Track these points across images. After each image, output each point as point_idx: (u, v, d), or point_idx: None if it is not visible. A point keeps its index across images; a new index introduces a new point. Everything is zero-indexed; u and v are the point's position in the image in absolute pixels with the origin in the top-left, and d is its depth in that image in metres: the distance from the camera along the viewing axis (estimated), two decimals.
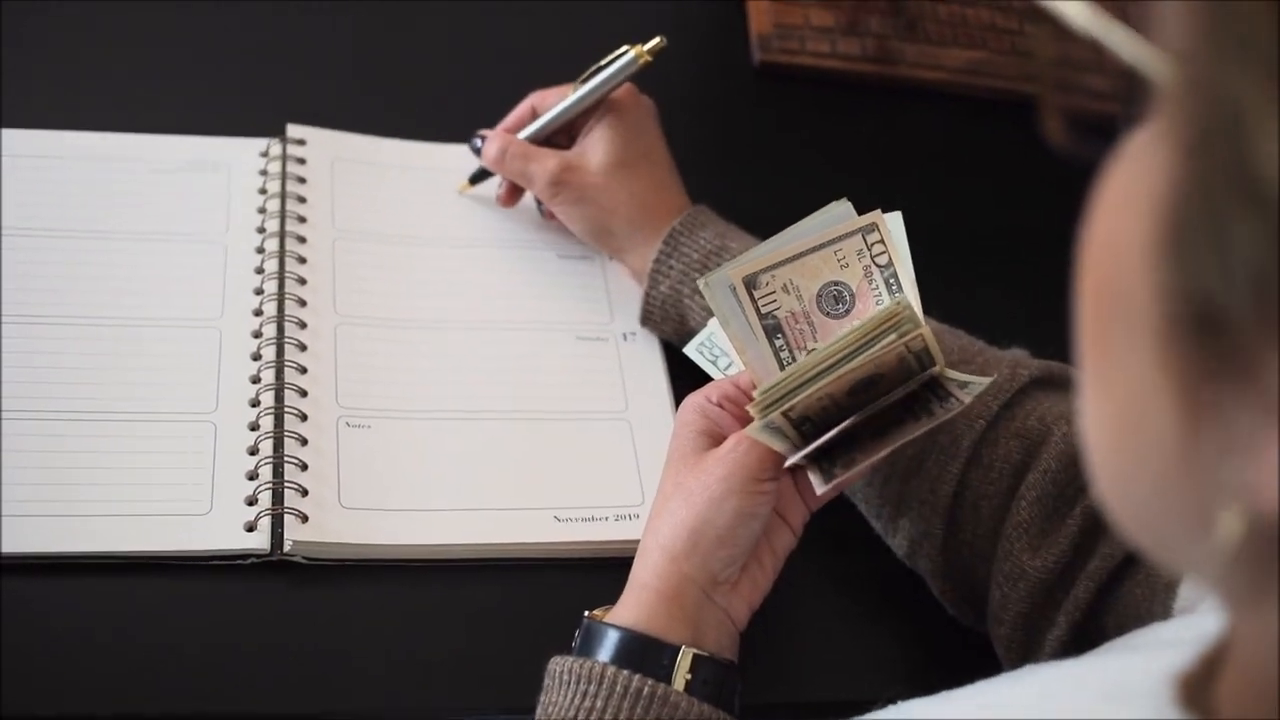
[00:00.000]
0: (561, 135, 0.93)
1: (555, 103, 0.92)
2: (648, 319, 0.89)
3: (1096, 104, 0.38)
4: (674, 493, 0.71)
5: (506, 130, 0.94)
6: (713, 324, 0.79)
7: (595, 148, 0.90)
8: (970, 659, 0.80)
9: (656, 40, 0.91)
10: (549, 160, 0.90)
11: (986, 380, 0.70)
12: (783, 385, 0.68)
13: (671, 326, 0.88)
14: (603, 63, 0.91)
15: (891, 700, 0.57)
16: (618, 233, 0.90)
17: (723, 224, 0.88)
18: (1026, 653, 0.74)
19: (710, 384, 0.77)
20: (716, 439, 0.73)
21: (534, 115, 0.93)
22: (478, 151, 0.94)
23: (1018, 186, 1.13)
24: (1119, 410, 0.38)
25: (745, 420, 0.71)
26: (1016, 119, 1.15)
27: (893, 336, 0.68)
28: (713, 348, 0.80)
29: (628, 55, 0.90)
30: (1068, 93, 0.38)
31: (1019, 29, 1.22)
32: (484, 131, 0.94)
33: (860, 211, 0.75)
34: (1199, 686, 0.40)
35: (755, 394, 0.69)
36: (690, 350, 0.81)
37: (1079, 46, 0.37)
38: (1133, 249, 0.35)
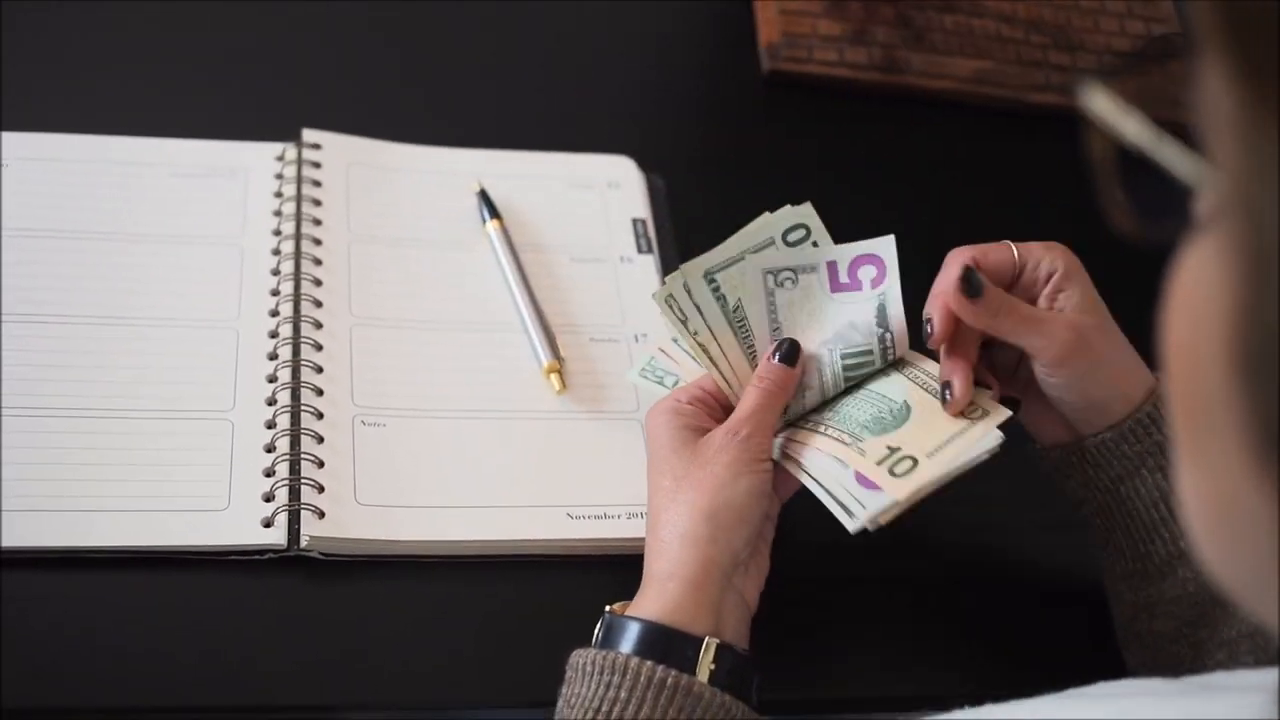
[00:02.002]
0: None
1: (998, 262, 0.78)
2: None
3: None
4: (679, 486, 0.73)
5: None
6: (649, 352, 0.84)
7: (1084, 309, 0.76)
8: (1008, 659, 0.83)
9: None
10: (1060, 323, 0.75)
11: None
12: None
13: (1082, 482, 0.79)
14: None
15: (963, 702, 0.58)
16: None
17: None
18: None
19: (675, 389, 0.80)
20: (699, 434, 0.75)
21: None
22: (970, 286, 0.74)
23: (1023, 195, 1.14)
24: (1216, 499, 0.39)
25: (719, 419, 0.76)
26: (1021, 128, 1.18)
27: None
28: (655, 369, 0.83)
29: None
30: (1124, 183, 0.39)
31: (1024, 39, 1.23)
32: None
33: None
34: None
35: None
36: (633, 376, 0.84)
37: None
38: (1211, 363, 0.36)
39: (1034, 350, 0.75)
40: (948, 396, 0.75)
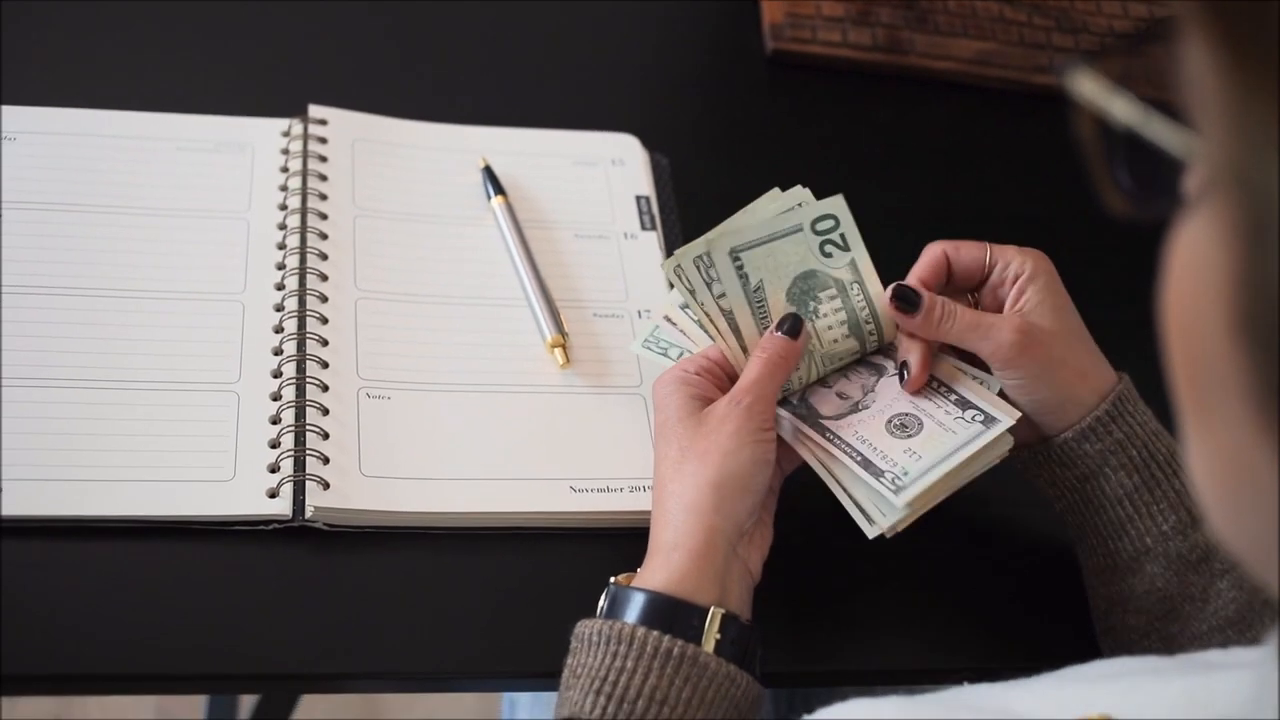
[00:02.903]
0: None
1: (969, 260, 0.80)
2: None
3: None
4: (684, 456, 0.74)
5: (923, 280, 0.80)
6: (652, 323, 0.85)
7: (1041, 312, 0.78)
8: (1006, 633, 0.83)
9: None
10: (1004, 327, 0.77)
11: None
12: None
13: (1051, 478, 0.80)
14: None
15: (962, 678, 0.59)
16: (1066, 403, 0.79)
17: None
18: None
19: (681, 360, 0.81)
20: (705, 403, 0.76)
21: (948, 264, 0.81)
22: (905, 301, 0.78)
23: (1025, 175, 1.15)
24: (1224, 465, 0.40)
25: (725, 389, 0.77)
26: (1024, 109, 1.19)
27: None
28: (659, 341, 0.84)
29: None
30: (1115, 163, 0.40)
31: (1027, 21, 1.24)
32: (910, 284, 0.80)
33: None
34: None
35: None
36: (635, 348, 0.85)
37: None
38: (1213, 331, 0.37)
39: (981, 353, 0.78)
40: (905, 375, 0.79)
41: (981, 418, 0.76)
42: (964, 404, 0.77)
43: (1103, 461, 0.78)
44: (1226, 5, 0.34)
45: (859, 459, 0.75)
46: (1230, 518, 0.41)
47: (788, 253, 0.79)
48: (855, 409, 0.79)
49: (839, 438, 0.77)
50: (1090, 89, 0.40)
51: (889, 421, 0.77)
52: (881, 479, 0.74)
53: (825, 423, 0.78)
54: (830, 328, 0.80)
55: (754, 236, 0.78)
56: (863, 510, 0.76)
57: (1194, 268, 0.38)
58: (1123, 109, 0.39)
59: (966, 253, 0.80)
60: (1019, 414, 0.77)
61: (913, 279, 0.80)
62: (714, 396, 0.77)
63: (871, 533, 0.75)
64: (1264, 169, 0.33)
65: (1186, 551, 0.76)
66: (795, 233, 0.79)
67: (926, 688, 0.57)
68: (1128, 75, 0.40)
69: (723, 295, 0.78)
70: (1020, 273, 0.79)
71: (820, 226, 0.80)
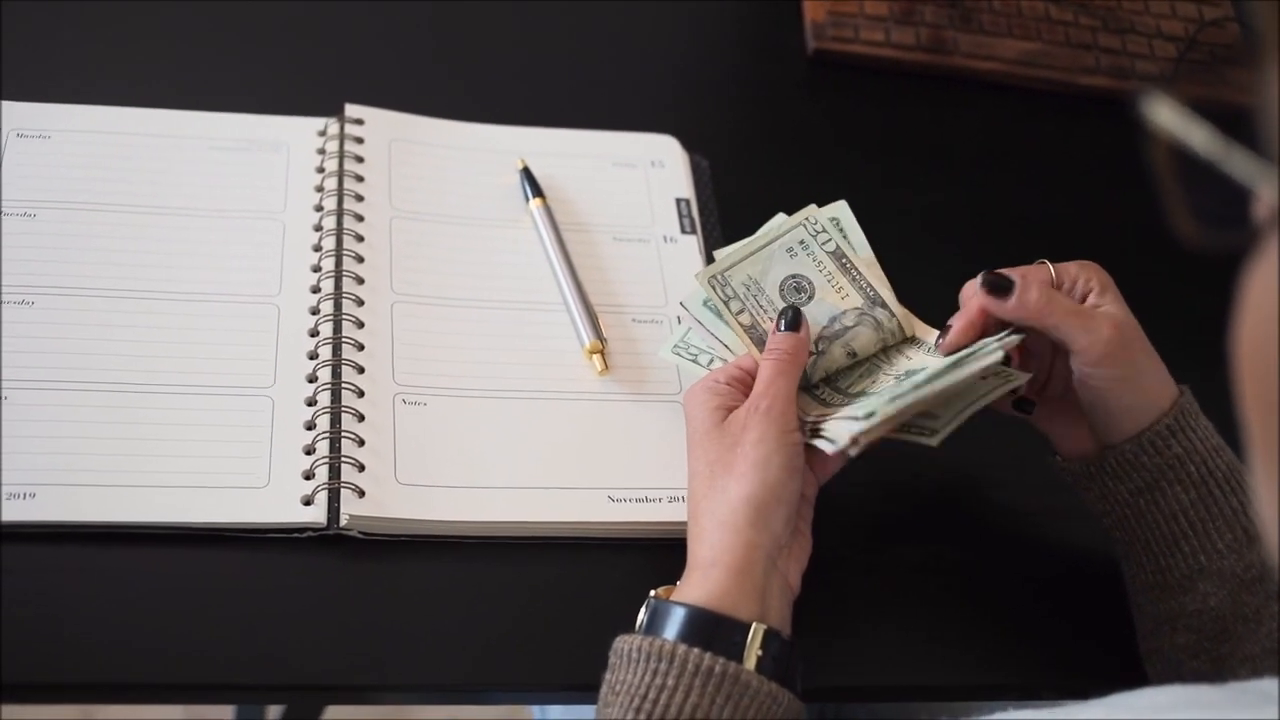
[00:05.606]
0: None
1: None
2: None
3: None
4: (713, 471, 0.72)
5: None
6: (683, 326, 0.85)
7: (1122, 317, 0.77)
8: (1057, 652, 0.82)
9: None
10: (1105, 322, 0.76)
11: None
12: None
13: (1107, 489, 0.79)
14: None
15: (1002, 696, 0.57)
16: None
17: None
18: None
19: (714, 369, 0.80)
20: (731, 413, 0.75)
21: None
22: (997, 289, 0.77)
23: (1069, 178, 1.13)
24: None
25: None
26: (1070, 111, 1.17)
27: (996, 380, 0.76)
28: (689, 347, 0.84)
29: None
30: (1190, 191, 0.39)
31: (1073, 21, 1.21)
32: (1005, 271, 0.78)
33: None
34: None
35: (862, 412, 0.72)
36: (664, 353, 0.85)
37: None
38: None
39: (1078, 345, 0.75)
40: (943, 339, 0.79)
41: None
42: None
43: (1159, 475, 0.76)
44: None
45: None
46: None
47: (780, 257, 0.82)
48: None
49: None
50: (1168, 117, 0.39)
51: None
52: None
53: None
54: (833, 311, 0.81)
55: (751, 251, 0.82)
56: (826, 436, 0.74)
57: (1271, 308, 0.37)
58: (1202, 140, 0.38)
59: (1033, 275, 0.78)
60: (1028, 375, 0.77)
61: (961, 320, 0.78)
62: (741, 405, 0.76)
63: (830, 449, 0.73)
64: None
65: (1241, 570, 0.74)
66: (790, 234, 0.83)
67: (965, 705, 0.56)
68: (1203, 99, 0.38)
69: (741, 311, 0.80)
70: (1089, 288, 0.78)
71: (817, 229, 0.83)
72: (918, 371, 0.77)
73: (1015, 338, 0.76)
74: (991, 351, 0.75)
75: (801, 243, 0.83)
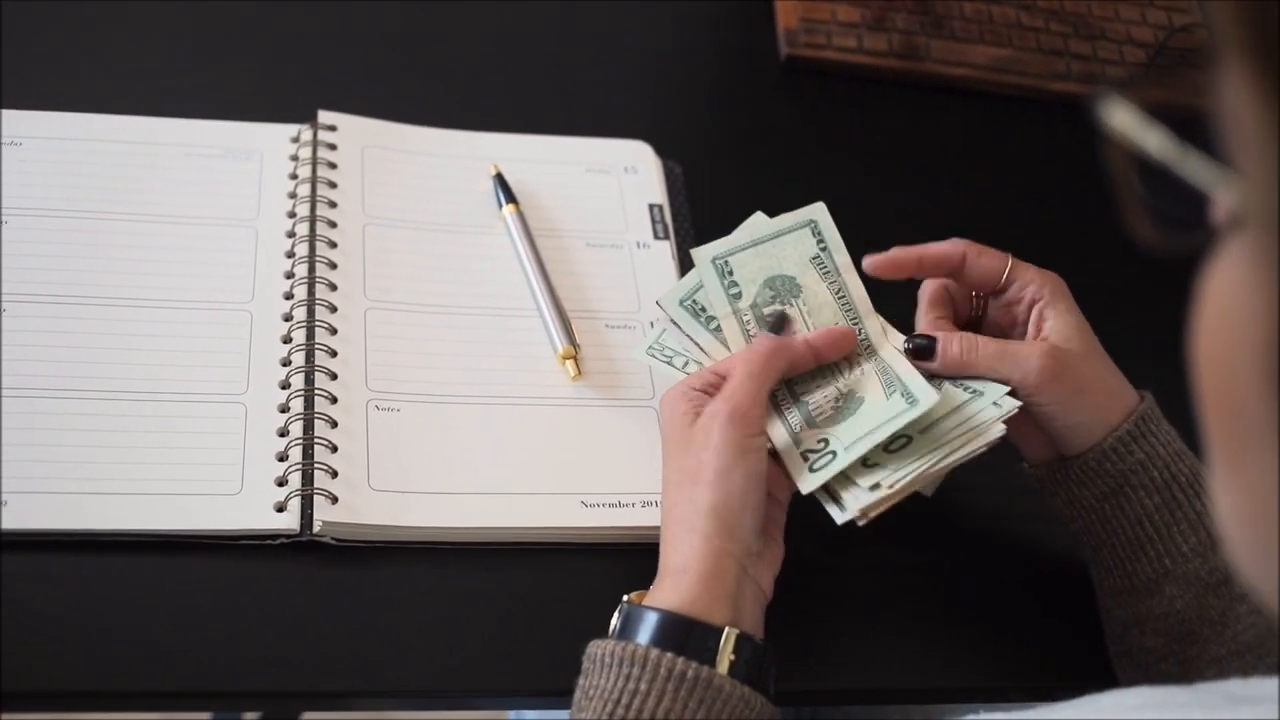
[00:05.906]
0: None
1: (989, 267, 0.81)
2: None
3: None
4: (681, 478, 0.72)
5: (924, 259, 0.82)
6: (658, 327, 0.84)
7: (1065, 337, 0.78)
8: (1027, 654, 0.82)
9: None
10: (1031, 354, 0.76)
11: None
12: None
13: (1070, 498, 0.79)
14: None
15: (971, 698, 0.58)
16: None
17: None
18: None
19: (690, 375, 0.79)
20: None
21: (963, 262, 0.81)
22: (920, 353, 0.78)
23: (1041, 183, 1.14)
24: (1253, 506, 0.39)
25: None
26: (1041, 116, 1.17)
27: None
28: (664, 349, 0.83)
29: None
30: (1147, 196, 0.39)
31: (1045, 27, 1.22)
32: (926, 332, 0.80)
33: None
34: None
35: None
36: (639, 354, 0.84)
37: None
38: (1247, 378, 0.36)
39: (1012, 381, 0.76)
40: (910, 344, 0.79)
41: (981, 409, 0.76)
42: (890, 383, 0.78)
43: (1123, 481, 0.76)
44: (1267, 37, 0.33)
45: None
46: (1256, 558, 0.40)
47: (771, 256, 0.81)
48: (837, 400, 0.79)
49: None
50: (1124, 120, 0.39)
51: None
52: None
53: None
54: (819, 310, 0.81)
55: (737, 244, 0.81)
56: (832, 495, 0.75)
57: (1228, 311, 0.37)
58: (1157, 144, 0.38)
59: (988, 260, 0.80)
60: (1017, 404, 0.76)
61: (924, 297, 0.80)
62: None
63: (841, 519, 0.74)
64: None
65: (1206, 574, 0.75)
66: (787, 235, 0.82)
67: (937, 707, 0.56)
68: (1160, 104, 0.39)
69: (739, 297, 0.80)
70: (1038, 297, 0.79)
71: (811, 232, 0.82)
72: (872, 388, 0.78)
73: (1015, 405, 0.76)
74: (993, 425, 0.75)
75: (820, 248, 0.82)
